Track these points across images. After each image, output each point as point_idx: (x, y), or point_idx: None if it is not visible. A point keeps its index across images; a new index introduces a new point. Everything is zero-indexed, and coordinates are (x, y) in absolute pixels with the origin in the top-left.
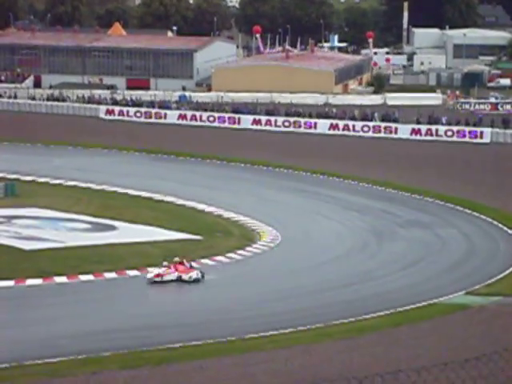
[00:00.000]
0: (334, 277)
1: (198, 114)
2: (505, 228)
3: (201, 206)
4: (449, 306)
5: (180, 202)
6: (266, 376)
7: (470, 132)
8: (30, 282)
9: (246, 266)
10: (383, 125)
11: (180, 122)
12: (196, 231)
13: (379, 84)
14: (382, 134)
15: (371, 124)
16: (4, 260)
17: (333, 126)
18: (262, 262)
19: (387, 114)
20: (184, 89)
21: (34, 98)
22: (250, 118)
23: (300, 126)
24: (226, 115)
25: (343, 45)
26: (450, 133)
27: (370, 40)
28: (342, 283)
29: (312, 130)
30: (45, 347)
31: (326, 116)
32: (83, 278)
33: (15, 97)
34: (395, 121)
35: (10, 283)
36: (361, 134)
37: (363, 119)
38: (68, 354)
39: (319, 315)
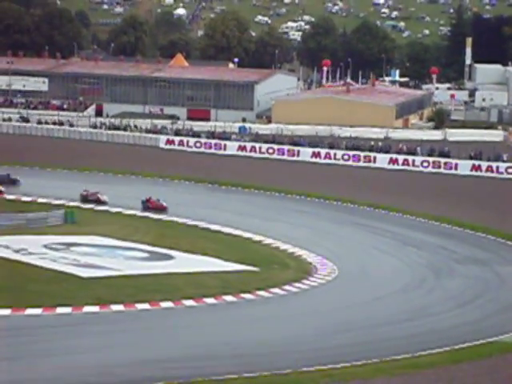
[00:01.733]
0: (390, 312)
1: (257, 145)
2: None
3: (258, 238)
4: (508, 344)
5: (237, 232)
6: None
7: None
8: (87, 309)
9: (302, 298)
10: (443, 160)
11: (239, 153)
12: (253, 262)
13: (440, 119)
14: (441, 170)
15: (431, 159)
16: (62, 287)
17: (392, 161)
18: (318, 296)
19: (440, 149)
20: (244, 120)
21: (95, 127)
22: (310, 150)
23: (359, 160)
24: (286, 147)
25: (404, 79)
26: (511, 170)
27: (434, 75)
28: (399, 318)
29: (371, 164)
30: (100, 375)
31: (386, 150)
32: (140, 306)
33: (71, 125)
34: (446, 155)
35: (68, 310)
36: (421, 168)
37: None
38: (123, 383)
39: (375, 350)
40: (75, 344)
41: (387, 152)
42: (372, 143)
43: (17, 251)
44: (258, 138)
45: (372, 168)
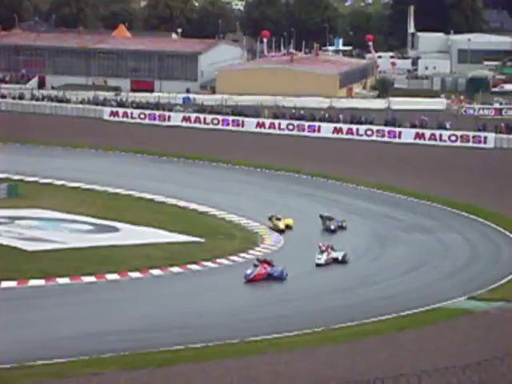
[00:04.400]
0: (335, 280)
1: (202, 116)
2: (507, 233)
3: (203, 209)
4: (452, 310)
5: (182, 204)
6: (268, 378)
7: (473, 137)
8: (32, 282)
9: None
10: (387, 129)
11: (184, 124)
12: (198, 233)
13: (383, 88)
14: (385, 138)
15: (375, 128)
16: (7, 261)
17: (336, 130)
18: None
19: (384, 118)
20: (188, 91)
21: (37, 99)
22: (254, 120)
23: (304, 130)
24: (230, 118)
25: (348, 48)
26: (453, 137)
27: (370, 43)
28: (343, 287)
29: (315, 134)
30: (47, 348)
31: (330, 120)
32: (86, 279)
33: (20, 97)
34: (390, 124)
35: (13, 284)
36: (364, 137)
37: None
38: (70, 356)
39: (321, 318)
40: (21, 318)
41: (331, 121)
42: (318, 113)
43: None
44: (202, 108)
45: (316, 137)
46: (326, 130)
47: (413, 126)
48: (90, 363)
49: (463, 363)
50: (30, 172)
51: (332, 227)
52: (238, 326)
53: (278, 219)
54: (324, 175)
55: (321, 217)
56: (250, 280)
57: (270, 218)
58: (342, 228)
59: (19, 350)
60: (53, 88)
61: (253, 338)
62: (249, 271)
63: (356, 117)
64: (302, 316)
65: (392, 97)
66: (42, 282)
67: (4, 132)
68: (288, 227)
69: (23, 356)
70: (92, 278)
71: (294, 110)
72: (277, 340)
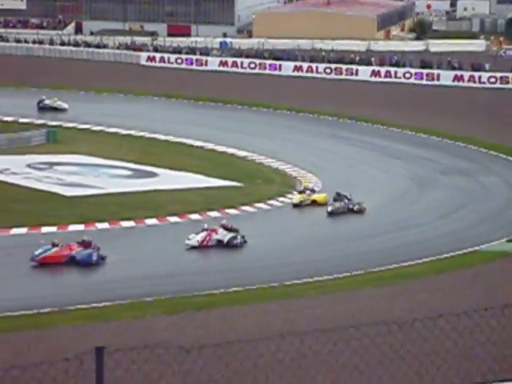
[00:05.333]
0: (374, 224)
1: (238, 60)
2: None
3: (241, 153)
4: (490, 253)
5: (220, 148)
6: (308, 321)
7: None
8: (72, 227)
9: (287, 213)
10: (425, 71)
11: (221, 68)
12: (237, 178)
13: (421, 30)
14: (423, 81)
15: (413, 71)
16: (47, 206)
17: (374, 73)
18: (302, 210)
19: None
20: (225, 35)
21: (75, 45)
22: (291, 64)
23: (341, 73)
24: (267, 62)
25: None
26: (493, 79)
27: None
28: (382, 230)
29: (353, 77)
30: (88, 292)
31: (368, 62)
32: (124, 224)
33: (57, 43)
34: (428, 66)
35: (53, 229)
36: (403, 80)
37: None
38: (111, 299)
39: (360, 262)
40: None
41: (369, 64)
42: (353, 56)
43: (0, 171)
44: (239, 52)
45: (354, 81)
46: (364, 73)
47: (452, 69)
48: (132, 307)
49: (502, 305)
50: (68, 118)
51: (355, 208)
52: (278, 270)
53: (301, 192)
54: (363, 119)
55: (337, 194)
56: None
57: (302, 192)
58: (358, 211)
59: (59, 295)
60: (91, 34)
61: (293, 282)
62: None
63: (394, 59)
64: (341, 260)
65: (430, 39)
66: (81, 227)
67: (41, 78)
68: (316, 202)
69: (63, 300)
70: (131, 223)
71: (331, 54)
72: (317, 283)
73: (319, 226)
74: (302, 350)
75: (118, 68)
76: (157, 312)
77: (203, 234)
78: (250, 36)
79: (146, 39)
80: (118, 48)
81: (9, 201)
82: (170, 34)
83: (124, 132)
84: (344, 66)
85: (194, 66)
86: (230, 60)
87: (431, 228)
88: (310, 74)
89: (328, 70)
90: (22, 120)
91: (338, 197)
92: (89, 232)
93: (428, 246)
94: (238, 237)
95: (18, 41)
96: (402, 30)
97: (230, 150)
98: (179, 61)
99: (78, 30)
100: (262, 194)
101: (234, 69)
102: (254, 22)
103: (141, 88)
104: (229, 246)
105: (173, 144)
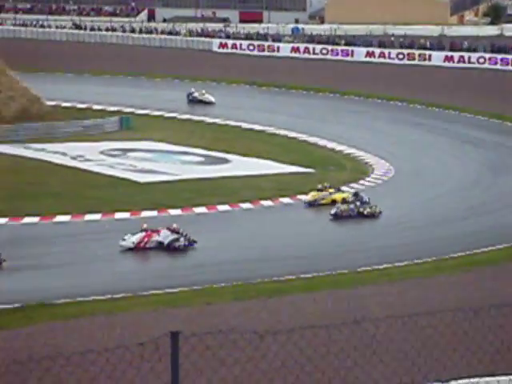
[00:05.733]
0: (447, 210)
1: (311, 46)
2: None
3: (313, 140)
4: None
5: (292, 135)
6: (379, 308)
7: None
8: (145, 214)
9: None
10: (499, 56)
11: (293, 54)
12: (308, 164)
13: (496, 15)
14: (498, 66)
15: (487, 56)
16: (120, 192)
17: (448, 58)
18: (375, 196)
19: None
20: (297, 21)
21: (147, 32)
22: (364, 50)
23: (414, 59)
24: (339, 48)
25: None
26: None
27: None
28: (456, 216)
29: (426, 62)
30: (160, 278)
31: (441, 48)
32: (197, 210)
33: (130, 30)
34: (503, 51)
35: (126, 215)
36: (477, 65)
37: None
38: (183, 285)
39: (433, 248)
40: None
41: (442, 49)
42: (423, 41)
43: (74, 158)
44: (311, 38)
45: (427, 66)
46: (437, 58)
47: None
48: (204, 293)
49: None
50: (141, 105)
51: (365, 211)
52: (349, 256)
53: (320, 190)
54: (435, 104)
55: (355, 195)
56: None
57: (320, 190)
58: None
59: (133, 280)
60: (164, 20)
61: (363, 268)
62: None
63: (467, 44)
64: (413, 246)
65: (505, 23)
66: (154, 213)
67: (115, 65)
68: (335, 202)
69: (137, 285)
70: (203, 209)
71: (403, 39)
72: (388, 270)
73: (392, 211)
74: (377, 337)
75: (190, 55)
76: (228, 298)
77: (141, 234)
78: (322, 22)
79: (218, 26)
80: (190, 35)
81: (83, 187)
82: (241, 21)
83: (196, 118)
84: (417, 52)
85: (265, 53)
86: (301, 46)
87: (505, 214)
88: (382, 60)
89: (400, 56)
90: (95, 107)
91: (354, 198)
92: (161, 218)
93: (502, 232)
94: (182, 239)
95: (92, 29)
96: (476, 14)
97: (302, 136)
98: (251, 47)
99: (151, 17)
100: (333, 181)
101: (306, 55)
102: (327, 7)
103: (212, 75)
104: (169, 248)
105: (244, 130)
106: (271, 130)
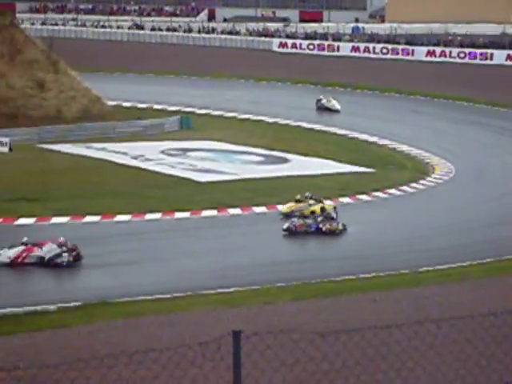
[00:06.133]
0: (506, 212)
1: (371, 45)
2: None
3: (373, 139)
4: None
5: (352, 134)
6: (438, 309)
7: None
8: (205, 213)
9: (418, 199)
10: None
11: (353, 54)
12: (368, 164)
13: None
14: None
15: None
16: (180, 192)
17: (510, 57)
18: (435, 196)
19: None
20: (357, 20)
21: (208, 32)
22: (424, 49)
23: (475, 58)
24: (400, 47)
25: None
26: None
27: None
28: None
29: (488, 61)
30: (219, 277)
31: (503, 46)
32: (257, 209)
33: (189, 30)
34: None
35: (187, 214)
36: None
37: None
38: (242, 285)
39: (491, 250)
40: (193, 247)
41: (503, 48)
42: (482, 40)
43: (135, 158)
44: (371, 38)
45: (489, 65)
46: (499, 57)
47: None
48: (262, 293)
49: None
50: (201, 104)
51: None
52: (407, 257)
53: (299, 201)
54: (498, 104)
55: (322, 210)
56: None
57: (298, 201)
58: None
59: (191, 279)
60: (225, 20)
61: (424, 269)
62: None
63: None
64: (473, 247)
65: None
66: (214, 212)
67: (175, 65)
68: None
69: (196, 285)
70: (263, 209)
71: (462, 38)
72: (447, 270)
73: (451, 211)
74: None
75: (250, 54)
76: (286, 298)
77: (19, 248)
78: (383, 21)
79: (278, 25)
80: (250, 34)
81: (143, 187)
82: (301, 20)
83: (256, 118)
84: (478, 51)
85: (325, 52)
86: (361, 45)
87: None
88: (443, 59)
89: (462, 55)
90: (155, 107)
91: (320, 213)
92: (221, 217)
93: None
94: (65, 255)
95: (152, 29)
96: None
97: (362, 136)
98: (311, 46)
99: (211, 16)
100: (393, 180)
101: (366, 54)
102: (387, 6)
103: (273, 74)
104: (50, 264)
105: (304, 130)
106: (331, 129)
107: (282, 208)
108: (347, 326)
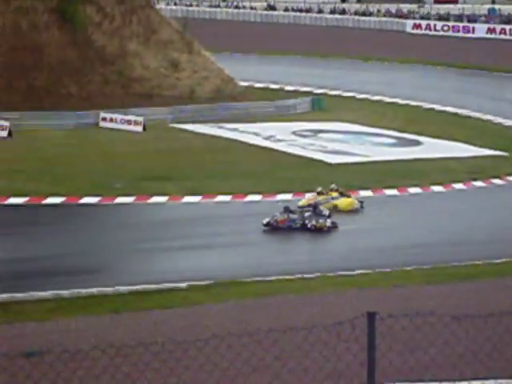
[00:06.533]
0: None
1: (507, 27)
2: None
3: (509, 123)
4: None
5: (487, 117)
6: None
7: None
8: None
9: None
10: None
11: (489, 35)
12: (503, 147)
13: None
14: None
15: None
16: (310, 173)
17: None
18: None
19: None
20: (493, 2)
21: (340, 13)
22: None
23: None
24: None
25: None
26: None
27: None
28: None
29: None
30: (345, 260)
31: None
32: (388, 192)
33: (321, 11)
34: None
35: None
36: None
37: None
38: (371, 267)
39: None
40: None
41: None
42: None
43: (266, 138)
44: (507, 19)
45: None
46: None
47: None
48: (392, 275)
49: None
50: (333, 85)
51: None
52: None
53: (320, 194)
54: None
55: (314, 206)
56: None
57: (320, 193)
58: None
59: (320, 261)
60: (358, 1)
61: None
62: None
63: None
64: None
65: None
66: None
67: (306, 46)
68: (336, 208)
69: (324, 266)
70: (394, 191)
71: None
72: None
73: None
74: None
75: (383, 36)
76: (418, 281)
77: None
78: None
79: (412, 6)
80: (383, 15)
81: (274, 167)
82: (436, 1)
83: (388, 100)
84: None
85: (460, 34)
86: (498, 27)
87: None
88: None
89: None
90: (287, 88)
91: (313, 209)
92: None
93: None
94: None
95: (285, 9)
96: None
97: (496, 119)
98: (445, 28)
99: None
100: None
101: (503, 36)
102: None
103: (406, 55)
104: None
105: (438, 112)
106: (465, 112)
107: (301, 201)
108: (481, 311)
